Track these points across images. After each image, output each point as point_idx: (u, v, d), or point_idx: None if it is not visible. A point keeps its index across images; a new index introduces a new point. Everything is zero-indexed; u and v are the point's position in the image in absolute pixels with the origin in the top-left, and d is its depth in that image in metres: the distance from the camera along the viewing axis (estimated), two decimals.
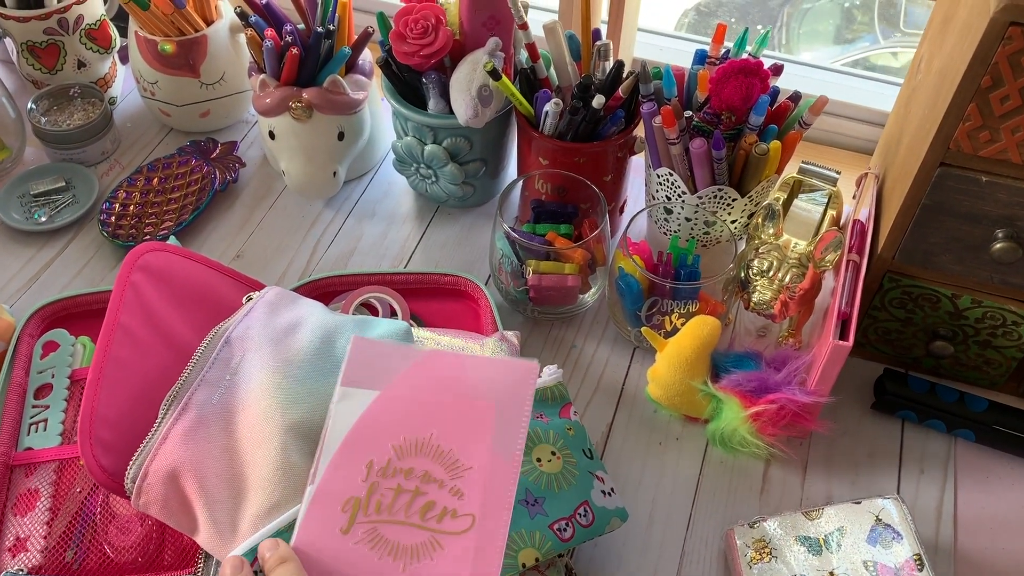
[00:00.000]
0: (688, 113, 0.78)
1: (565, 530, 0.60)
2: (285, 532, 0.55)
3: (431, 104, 0.84)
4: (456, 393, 0.58)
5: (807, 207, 0.80)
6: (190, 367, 0.64)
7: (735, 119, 0.75)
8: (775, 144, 0.75)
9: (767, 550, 0.66)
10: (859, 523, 0.65)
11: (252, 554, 0.54)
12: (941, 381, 0.79)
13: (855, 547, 0.64)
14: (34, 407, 0.73)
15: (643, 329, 0.74)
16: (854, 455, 0.76)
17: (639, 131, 0.82)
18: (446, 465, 0.56)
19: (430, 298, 0.84)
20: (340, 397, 0.57)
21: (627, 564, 0.69)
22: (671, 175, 0.78)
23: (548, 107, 0.78)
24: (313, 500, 0.54)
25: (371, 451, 0.56)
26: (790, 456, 0.74)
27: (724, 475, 0.74)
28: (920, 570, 0.61)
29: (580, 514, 0.61)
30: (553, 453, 0.63)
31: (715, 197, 0.78)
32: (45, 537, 0.66)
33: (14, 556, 0.65)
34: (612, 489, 0.65)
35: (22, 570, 0.63)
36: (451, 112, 0.82)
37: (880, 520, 0.65)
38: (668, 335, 0.74)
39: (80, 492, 0.68)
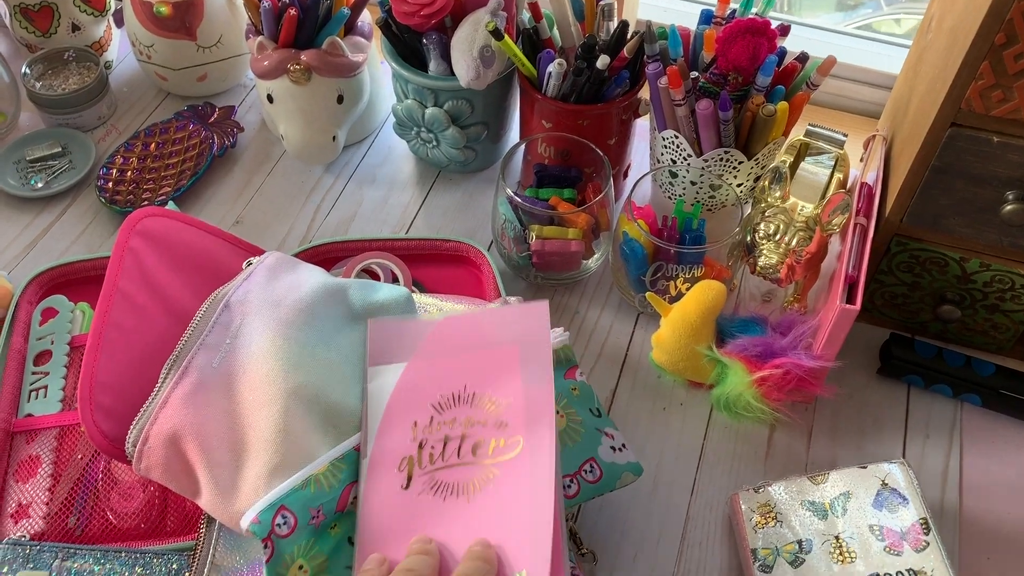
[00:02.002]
0: (694, 74, 0.76)
1: (570, 487, 0.60)
2: (294, 494, 0.55)
3: (432, 66, 0.83)
4: (478, 345, 0.61)
5: (814, 170, 0.78)
6: (189, 331, 0.63)
7: (742, 80, 0.74)
8: (782, 105, 0.74)
9: (772, 514, 0.65)
10: (865, 487, 0.65)
11: (268, 513, 0.54)
12: (947, 346, 0.78)
13: (861, 511, 0.64)
14: (34, 374, 0.72)
15: (648, 294, 0.74)
16: (859, 420, 0.75)
17: (644, 93, 0.81)
18: (485, 407, 0.59)
19: (432, 264, 0.84)
20: (371, 377, 0.61)
21: (631, 529, 0.69)
22: (676, 137, 0.77)
23: (551, 68, 0.76)
24: (369, 470, 0.58)
25: (413, 413, 0.60)
26: (795, 421, 0.74)
27: (728, 440, 0.74)
28: (926, 534, 0.61)
29: (586, 470, 0.61)
30: (557, 412, 0.62)
31: (721, 160, 0.77)
32: (47, 503, 0.66)
33: (16, 522, 0.65)
34: (623, 445, 0.64)
35: (25, 536, 0.63)
36: (452, 74, 0.81)
37: (886, 484, 0.65)
38: (673, 300, 0.74)
39: (81, 458, 0.68)
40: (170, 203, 0.85)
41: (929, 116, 0.65)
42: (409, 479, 0.58)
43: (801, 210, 0.74)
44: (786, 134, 0.78)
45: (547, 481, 0.55)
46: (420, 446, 0.59)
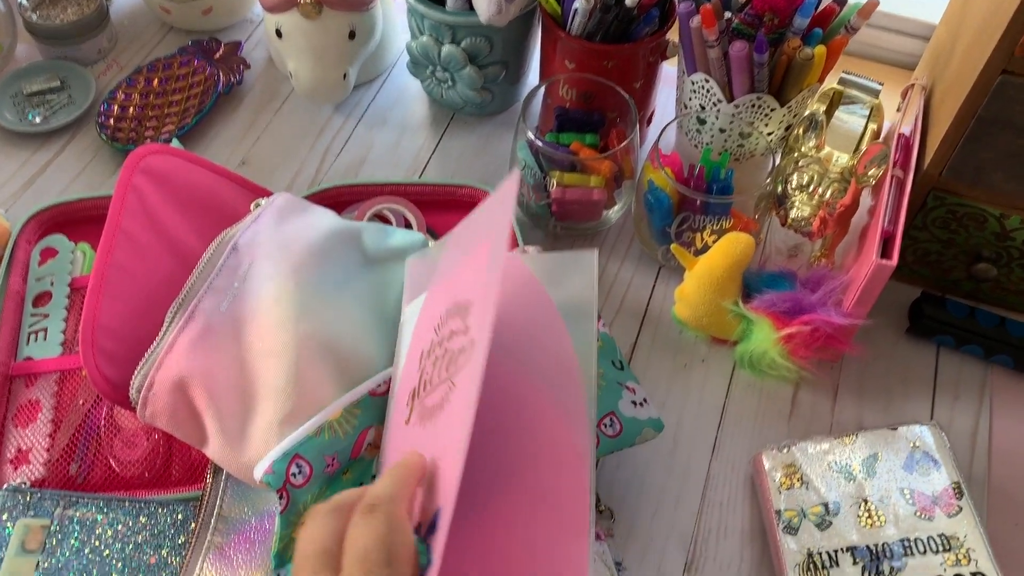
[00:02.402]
0: (727, 14, 0.72)
1: None
2: (309, 441, 0.53)
3: (449, 1, 0.79)
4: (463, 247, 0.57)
5: (848, 120, 0.75)
6: (196, 274, 0.60)
7: (778, 22, 0.70)
8: (820, 49, 0.70)
9: (797, 475, 0.63)
10: (895, 450, 0.63)
11: (282, 463, 0.52)
12: (979, 306, 0.76)
13: (890, 474, 0.62)
14: (33, 315, 0.70)
15: (672, 246, 0.71)
16: (887, 380, 0.73)
17: (672, 34, 0.77)
18: (462, 313, 0.51)
19: (446, 211, 0.80)
20: (404, 318, 0.59)
21: (650, 486, 0.67)
22: (707, 81, 0.73)
23: (577, 4, 0.72)
24: (389, 412, 0.56)
25: (422, 342, 0.55)
26: (820, 380, 0.71)
27: (752, 398, 0.71)
28: (959, 498, 0.59)
29: (605, 424, 0.59)
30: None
31: (753, 106, 0.73)
32: (48, 450, 0.63)
33: (16, 468, 0.63)
34: (645, 399, 0.62)
35: (25, 483, 0.61)
36: (471, 9, 0.77)
37: (917, 447, 0.62)
38: (698, 253, 0.71)
39: (83, 404, 0.65)
40: (174, 141, 0.81)
41: (977, 63, 0.61)
42: (410, 412, 0.52)
43: (836, 161, 0.71)
44: (821, 81, 0.75)
45: (468, 401, 0.45)
46: (420, 375, 0.53)
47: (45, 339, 0.68)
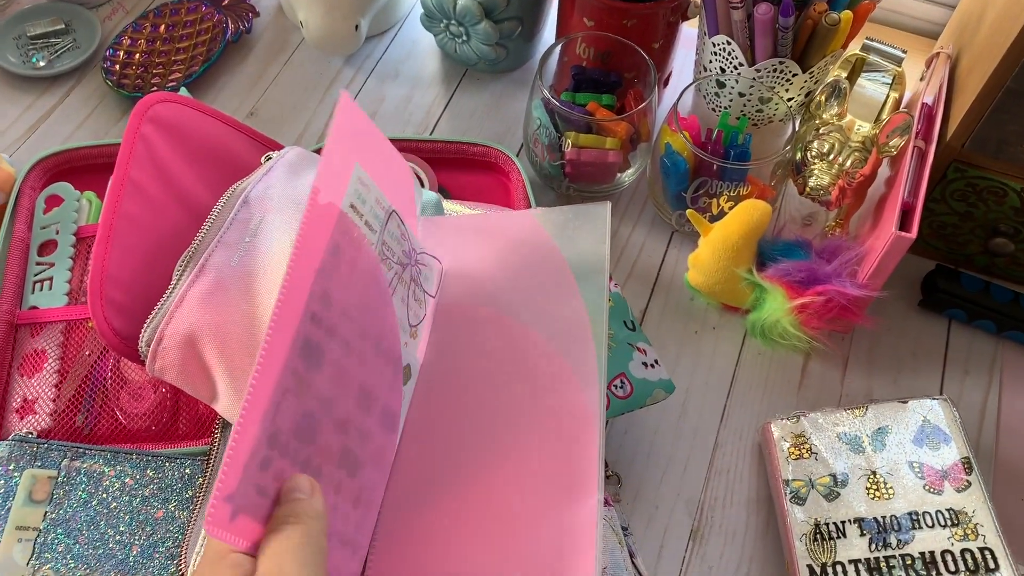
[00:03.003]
0: None
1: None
2: None
3: None
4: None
5: (870, 88, 0.74)
6: (206, 227, 0.59)
7: None
8: (846, 14, 0.69)
9: (806, 446, 0.63)
10: (905, 423, 0.63)
11: None
12: (994, 280, 0.75)
13: (900, 447, 0.61)
14: (38, 264, 0.69)
15: (688, 212, 0.70)
16: (897, 353, 0.72)
17: None
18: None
19: (457, 169, 0.79)
20: None
21: (658, 453, 0.66)
22: (729, 44, 0.71)
23: None
24: None
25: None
26: (831, 350, 0.71)
27: (762, 367, 0.71)
28: (968, 473, 0.59)
29: (616, 386, 0.59)
30: None
31: (774, 71, 0.72)
32: (54, 400, 0.63)
33: (22, 418, 0.62)
34: (656, 361, 0.62)
35: (31, 433, 0.60)
36: None
37: (928, 421, 0.62)
38: (714, 219, 0.70)
39: (89, 355, 0.65)
40: (182, 90, 0.79)
41: (1009, 32, 0.60)
42: None
43: (857, 129, 0.70)
44: (844, 47, 0.73)
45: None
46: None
47: (51, 288, 0.67)
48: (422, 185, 0.75)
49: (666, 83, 0.84)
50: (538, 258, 0.58)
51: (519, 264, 0.58)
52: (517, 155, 0.78)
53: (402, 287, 0.55)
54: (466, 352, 0.57)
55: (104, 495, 0.57)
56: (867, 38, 0.76)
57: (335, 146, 0.48)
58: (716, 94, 0.75)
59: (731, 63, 0.73)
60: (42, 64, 0.85)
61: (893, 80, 0.74)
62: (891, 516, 0.59)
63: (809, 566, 0.58)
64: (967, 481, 0.59)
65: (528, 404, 0.53)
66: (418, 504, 0.51)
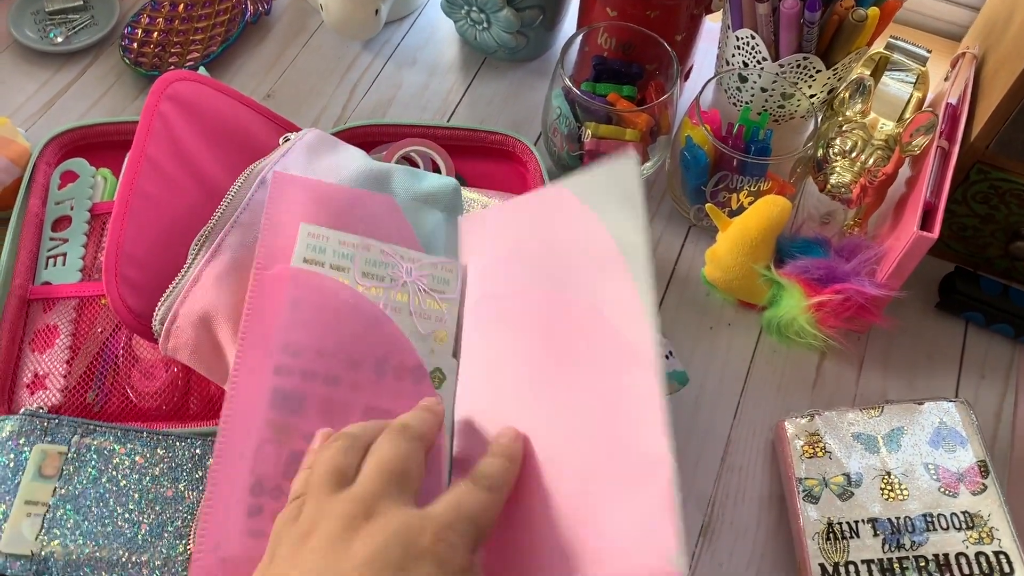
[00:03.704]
0: None
1: None
2: None
3: None
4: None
5: (894, 87, 0.73)
6: (223, 207, 0.59)
7: None
8: (873, 11, 0.68)
9: (820, 444, 0.63)
10: (921, 424, 0.62)
11: None
12: (1013, 284, 0.74)
13: (915, 448, 0.61)
14: (52, 240, 0.68)
15: (708, 206, 0.69)
16: (913, 354, 0.72)
17: None
18: None
19: (474, 157, 0.78)
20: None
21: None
22: (753, 38, 0.71)
23: None
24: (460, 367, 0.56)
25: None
26: (847, 350, 0.70)
27: (776, 365, 0.71)
28: (984, 477, 0.59)
29: None
30: None
31: (798, 67, 0.71)
32: (65, 376, 0.62)
33: (32, 393, 0.62)
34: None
35: (42, 408, 0.60)
36: None
37: (944, 423, 0.62)
38: (733, 214, 0.69)
39: (101, 332, 0.64)
40: (201, 69, 0.79)
41: None
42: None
43: (881, 127, 0.69)
44: (869, 44, 0.72)
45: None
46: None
47: (64, 264, 0.67)
48: (438, 172, 0.75)
49: (687, 77, 0.84)
50: (577, 229, 0.54)
51: (561, 239, 0.55)
52: (535, 144, 0.78)
53: (403, 302, 0.56)
54: (521, 337, 0.54)
55: (114, 472, 0.56)
56: (891, 37, 0.76)
57: (268, 221, 0.55)
58: (738, 88, 0.75)
59: (754, 57, 0.72)
60: (59, 40, 0.84)
61: (917, 79, 0.73)
62: (905, 517, 0.58)
63: (821, 565, 0.57)
64: (983, 484, 0.58)
65: (588, 382, 0.49)
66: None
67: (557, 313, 0.53)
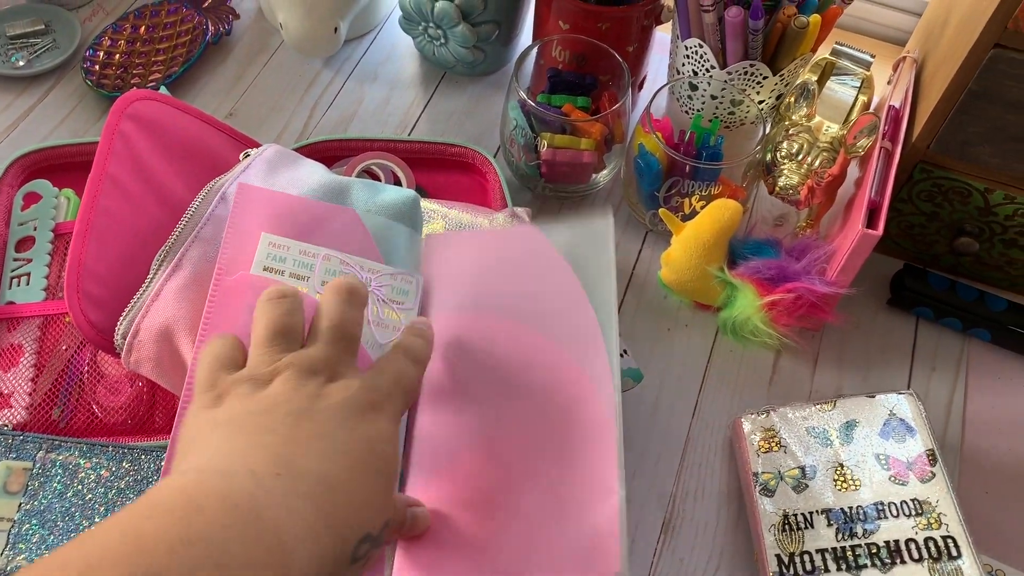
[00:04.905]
0: None
1: None
2: None
3: None
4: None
5: (839, 91, 0.75)
6: (183, 223, 0.60)
7: None
8: (815, 18, 0.70)
9: (776, 440, 0.64)
10: (872, 417, 0.64)
11: None
12: (960, 279, 0.77)
13: (867, 440, 0.63)
14: (15, 260, 0.69)
15: (661, 211, 0.71)
16: (866, 350, 0.74)
17: None
18: None
19: (435, 169, 0.80)
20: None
21: (630, 447, 0.67)
22: (701, 47, 0.73)
23: None
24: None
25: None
26: (801, 348, 0.72)
27: (733, 364, 0.72)
28: (933, 465, 0.60)
29: None
30: None
31: (745, 74, 0.73)
32: (30, 394, 0.63)
33: None
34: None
35: (7, 426, 0.60)
36: None
37: (894, 415, 0.64)
38: (686, 218, 0.71)
39: (66, 350, 0.65)
40: (162, 89, 0.80)
41: (970, 36, 0.62)
42: None
43: (826, 130, 0.71)
44: (813, 51, 0.75)
45: None
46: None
47: (28, 284, 0.68)
48: (399, 184, 0.76)
49: (641, 86, 0.86)
50: (547, 269, 0.58)
51: (529, 275, 0.58)
52: (494, 156, 0.80)
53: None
54: (478, 360, 0.56)
55: (79, 487, 0.57)
56: (837, 43, 0.78)
57: (232, 231, 0.57)
58: (689, 96, 0.77)
59: (703, 66, 0.74)
60: (21, 64, 0.85)
61: (862, 84, 0.76)
62: (857, 506, 0.60)
63: (777, 556, 0.59)
64: (931, 472, 0.60)
65: (544, 411, 0.52)
66: (435, 514, 0.50)
67: (517, 342, 0.55)
